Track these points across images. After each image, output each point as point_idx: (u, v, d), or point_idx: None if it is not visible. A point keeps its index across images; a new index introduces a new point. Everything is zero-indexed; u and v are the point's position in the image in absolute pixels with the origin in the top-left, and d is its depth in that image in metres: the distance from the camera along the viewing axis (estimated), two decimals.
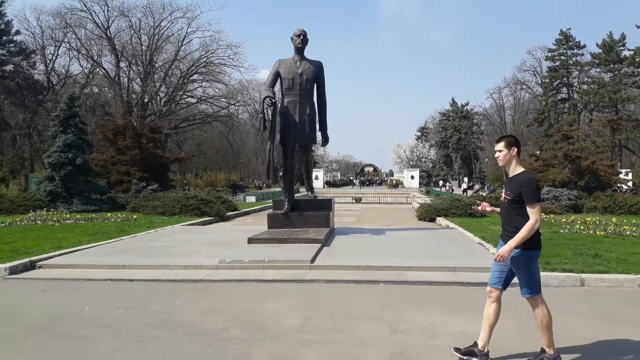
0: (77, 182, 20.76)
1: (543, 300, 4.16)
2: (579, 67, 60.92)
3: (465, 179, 66.61)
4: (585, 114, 60.11)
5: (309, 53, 12.29)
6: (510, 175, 4.16)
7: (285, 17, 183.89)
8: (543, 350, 4.14)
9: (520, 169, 4.13)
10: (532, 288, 4.10)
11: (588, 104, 58.43)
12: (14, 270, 7.84)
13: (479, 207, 4.51)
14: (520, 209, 3.99)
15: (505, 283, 4.24)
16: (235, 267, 8.08)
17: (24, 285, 7.29)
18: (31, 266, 8.22)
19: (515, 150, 4.13)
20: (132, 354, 4.40)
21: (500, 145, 4.17)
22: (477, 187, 50.12)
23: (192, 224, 15.36)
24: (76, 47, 46.14)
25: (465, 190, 48.39)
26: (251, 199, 32.07)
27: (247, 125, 70.28)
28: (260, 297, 6.46)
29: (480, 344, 4.20)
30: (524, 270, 4.06)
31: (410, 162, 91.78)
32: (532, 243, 3.98)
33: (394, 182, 70.92)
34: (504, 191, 4.17)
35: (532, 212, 3.90)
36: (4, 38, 40.73)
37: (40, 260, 8.49)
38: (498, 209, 4.42)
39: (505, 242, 4.04)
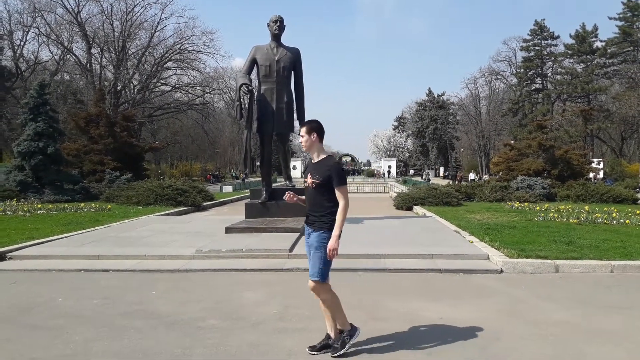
0: (48, 171, 20.26)
1: (330, 288, 4.18)
2: (553, 58, 62.04)
3: (442, 169, 67.39)
4: (558, 104, 61.34)
5: (285, 40, 12.16)
6: (315, 161, 4.18)
7: (260, 3, 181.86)
8: (341, 331, 4.17)
9: (325, 154, 4.18)
10: (323, 272, 4.07)
11: (561, 94, 59.62)
12: None
13: (286, 197, 4.46)
14: (327, 192, 4.04)
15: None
16: (212, 257, 7.99)
17: None
18: (1, 257, 7.99)
19: (316, 135, 4.16)
20: (107, 344, 4.31)
21: (303, 131, 4.21)
22: (472, 176, 50.20)
23: (168, 214, 15.15)
24: (45, 33, 44.76)
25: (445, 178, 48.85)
26: (228, 188, 31.81)
27: (223, 114, 69.57)
28: (238, 287, 6.40)
29: (332, 334, 4.20)
30: (322, 251, 4.03)
31: (388, 152, 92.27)
32: (334, 225, 4.03)
33: (383, 172, 71.22)
34: (309, 176, 4.13)
35: (342, 196, 4.01)
36: None
37: (11, 251, 8.25)
38: (303, 197, 4.39)
39: (312, 226, 4.10)
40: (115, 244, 9.04)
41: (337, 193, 4.00)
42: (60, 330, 4.67)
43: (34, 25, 44.62)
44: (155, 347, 4.25)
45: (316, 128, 4.16)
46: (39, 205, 16.06)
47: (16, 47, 46.18)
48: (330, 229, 4.00)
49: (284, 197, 4.41)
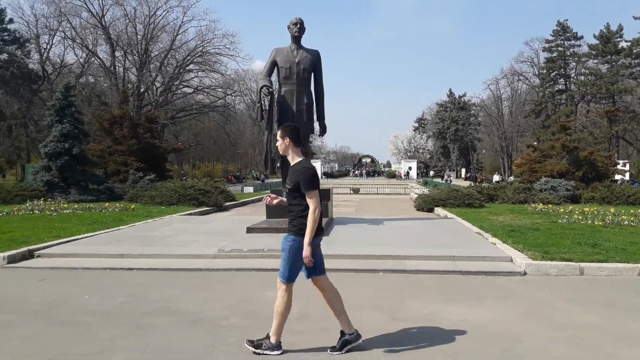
0: (74, 172, 20.66)
1: (290, 291, 4.14)
2: (576, 58, 60.86)
3: (463, 170, 66.69)
4: (582, 105, 60.18)
5: (305, 42, 12.20)
6: (291, 165, 4.17)
7: (281, 6, 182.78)
8: (267, 336, 4.14)
9: (298, 159, 4.15)
10: (288, 274, 4.08)
11: (585, 95, 58.47)
12: (12, 260, 7.80)
13: (266, 201, 4.48)
14: (298, 197, 4.04)
15: (317, 270, 4.22)
16: (234, 256, 8.07)
17: (22, 274, 7.26)
18: (29, 255, 8.19)
19: (289, 139, 4.15)
20: (131, 341, 4.39)
21: (278, 135, 4.22)
22: (496, 177, 49.34)
23: (190, 214, 15.33)
24: (71, 36, 45.75)
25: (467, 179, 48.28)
26: (249, 189, 32.02)
27: (244, 115, 70.08)
28: (259, 286, 6.45)
29: (346, 330, 4.20)
30: (290, 254, 4.05)
31: (408, 153, 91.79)
32: (305, 229, 4.00)
33: (404, 173, 70.92)
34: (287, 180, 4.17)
35: (311, 201, 3.96)
36: None
37: (39, 249, 8.45)
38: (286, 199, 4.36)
39: (289, 232, 4.09)
40: (139, 243, 9.19)
41: (307, 198, 3.98)
42: (86, 326, 4.77)
43: (60, 29, 45.67)
44: (179, 344, 4.32)
45: (289, 132, 4.17)
46: (65, 205, 16.39)
47: (43, 51, 47.28)
48: (298, 233, 4.01)
49: (263, 200, 4.44)
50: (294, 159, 4.15)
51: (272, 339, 4.08)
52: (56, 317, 5.09)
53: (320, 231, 4.12)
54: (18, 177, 41.55)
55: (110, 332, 4.62)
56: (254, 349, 4.07)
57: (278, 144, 4.21)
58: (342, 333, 4.22)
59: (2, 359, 4.00)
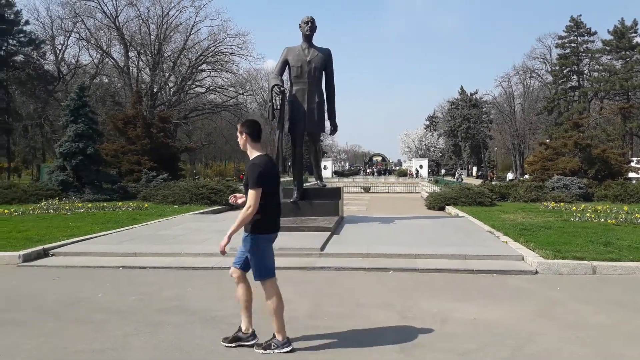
0: (88, 171, 20.90)
1: (274, 286, 4.16)
2: (590, 54, 60.20)
3: (475, 168, 66.26)
4: (595, 102, 59.53)
5: (317, 40, 12.22)
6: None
7: (291, 4, 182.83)
8: (274, 336, 4.14)
9: (254, 154, 4.16)
10: (261, 272, 4.11)
11: (599, 92, 57.83)
12: (27, 258, 7.94)
13: (231, 200, 4.49)
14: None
15: (245, 265, 4.23)
16: None
17: (37, 272, 7.39)
18: (44, 254, 8.32)
19: (245, 135, 4.18)
20: (145, 338, 4.46)
21: (238, 130, 4.25)
22: (510, 176, 48.90)
23: (203, 213, 15.45)
24: (85, 37, 46.22)
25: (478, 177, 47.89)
26: None
27: (256, 114, 70.06)
28: None
29: (243, 327, 4.25)
30: (252, 253, 4.08)
31: (419, 152, 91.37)
32: (261, 226, 4.04)
33: (415, 171, 70.71)
34: None
35: (250, 197, 3.97)
36: (14, 28, 40.93)
37: (53, 248, 8.58)
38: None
39: (245, 230, 4.11)
40: (152, 242, 9.29)
41: (248, 193, 3.99)
42: (101, 324, 4.85)
43: (75, 30, 46.15)
44: (192, 342, 4.37)
45: (246, 127, 4.21)
46: (79, 204, 16.60)
47: (58, 52, 47.83)
48: (253, 231, 4.04)
49: (228, 199, 4.47)
50: (251, 154, 4.18)
51: (279, 337, 4.11)
52: (71, 315, 5.18)
53: (277, 227, 4.22)
54: (34, 176, 42.14)
55: (123, 329, 4.70)
56: (263, 351, 4.09)
57: (239, 139, 4.25)
58: (239, 329, 4.27)
59: (19, 357, 4.09)
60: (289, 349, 4.08)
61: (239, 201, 4.34)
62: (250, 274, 4.18)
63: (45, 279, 6.88)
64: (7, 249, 8.29)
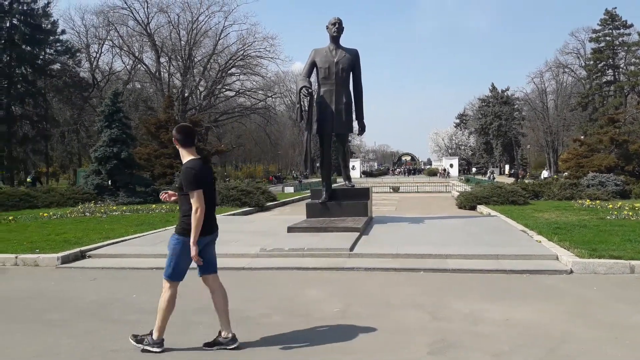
0: (122, 175, 21.41)
1: (174, 290, 4.20)
2: (626, 48, 58.27)
3: (507, 167, 65.01)
4: (632, 97, 57.56)
5: (344, 41, 12.22)
6: None
7: (320, 6, 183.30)
8: (151, 332, 4.15)
9: (188, 158, 4.16)
10: (172, 272, 4.14)
11: (635, 86, 55.93)
12: (65, 260, 8.19)
13: (162, 196, 4.47)
14: (184, 197, 4.07)
15: (207, 268, 4.31)
16: (275, 256, 8.19)
17: (75, 273, 7.62)
18: (81, 256, 8.57)
19: (175, 139, 4.21)
20: (176, 337, 4.53)
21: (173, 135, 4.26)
22: (545, 174, 47.61)
23: (233, 214, 15.63)
24: (118, 45, 47.54)
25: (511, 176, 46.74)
26: (289, 189, 32.32)
27: (284, 117, 70.72)
28: (301, 285, 6.54)
29: (223, 332, 4.26)
30: (172, 251, 4.12)
31: (449, 150, 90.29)
32: (188, 229, 4.01)
33: (446, 170, 69.93)
34: None
35: (192, 200, 3.97)
36: (51, 38, 42.25)
37: (90, 250, 8.83)
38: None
39: (175, 231, 4.16)
40: None
41: (190, 198, 4.03)
42: (135, 324, 4.96)
43: (108, 37, 47.57)
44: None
45: (177, 132, 4.25)
46: (114, 207, 17.03)
47: (92, 59, 49.32)
48: (181, 233, 4.09)
49: (159, 196, 4.53)
50: (184, 158, 4.22)
51: (154, 335, 4.16)
52: (107, 315, 5.33)
53: (210, 230, 4.23)
54: (70, 180, 43.42)
55: None
56: (135, 343, 4.17)
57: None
58: (220, 333, 4.29)
59: (59, 355, 4.23)
60: (159, 350, 4.14)
61: (172, 199, 4.40)
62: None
63: (82, 280, 7.09)
64: (46, 251, 8.58)
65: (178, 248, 4.13)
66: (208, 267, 4.34)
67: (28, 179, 30.43)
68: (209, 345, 4.27)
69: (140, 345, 4.18)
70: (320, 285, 6.52)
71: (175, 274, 4.21)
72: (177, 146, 4.30)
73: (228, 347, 4.21)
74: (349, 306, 5.50)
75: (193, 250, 4.05)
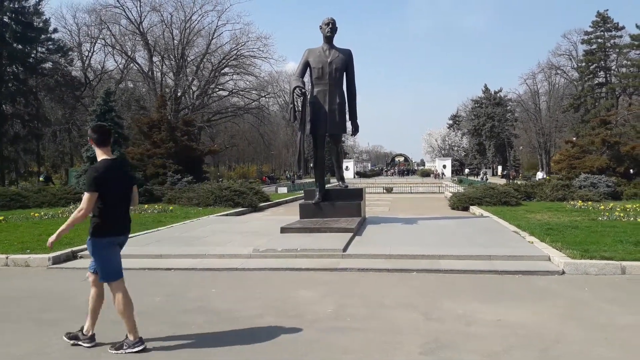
0: None
1: (120, 288, 4.22)
2: (618, 50, 58.76)
3: (499, 168, 65.30)
4: (624, 98, 58.07)
5: (338, 41, 12.24)
6: None
7: (313, 5, 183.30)
8: (126, 336, 4.18)
9: (101, 157, 4.21)
10: (105, 274, 4.19)
11: (627, 88, 56.41)
12: (56, 260, 8.13)
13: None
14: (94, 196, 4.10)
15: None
16: (268, 256, 8.18)
17: (66, 274, 7.56)
18: (73, 256, 8.51)
19: (90, 139, 4.27)
20: (168, 339, 4.52)
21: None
22: (540, 175, 47.76)
23: (227, 215, 15.59)
24: (111, 43, 47.32)
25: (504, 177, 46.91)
26: (283, 190, 32.29)
27: (278, 117, 70.66)
28: (294, 285, 6.53)
29: (85, 328, 4.31)
30: (94, 255, 4.20)
31: (442, 151, 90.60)
32: (101, 230, 4.10)
33: (441, 172, 70.18)
34: None
35: (83, 200, 4.06)
36: (43, 36, 41.91)
37: (81, 250, 8.73)
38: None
39: (88, 234, 4.21)
40: (177, 244, 9.42)
41: (83, 197, 4.08)
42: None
43: (101, 36, 47.33)
44: (215, 342, 4.42)
45: (91, 132, 4.29)
46: None
47: (84, 58, 49.02)
48: (92, 234, 4.15)
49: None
50: (98, 157, 4.26)
51: (131, 337, 4.17)
52: (100, 315, 5.28)
53: (120, 230, 4.29)
54: (62, 180, 43.08)
55: (149, 330, 4.76)
56: (115, 351, 4.15)
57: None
58: (81, 328, 4.35)
59: (52, 355, 4.20)
60: (140, 348, 4.14)
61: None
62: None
63: (74, 281, 7.03)
64: (37, 252, 8.51)
65: (96, 250, 4.19)
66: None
67: (41, 178, 30.75)
68: (69, 337, 4.33)
69: (120, 351, 4.15)
70: (314, 286, 6.52)
71: (112, 273, 4.25)
72: (92, 145, 4.32)
73: (84, 345, 4.26)
74: (342, 307, 5.49)
75: (53, 237, 4.16)
